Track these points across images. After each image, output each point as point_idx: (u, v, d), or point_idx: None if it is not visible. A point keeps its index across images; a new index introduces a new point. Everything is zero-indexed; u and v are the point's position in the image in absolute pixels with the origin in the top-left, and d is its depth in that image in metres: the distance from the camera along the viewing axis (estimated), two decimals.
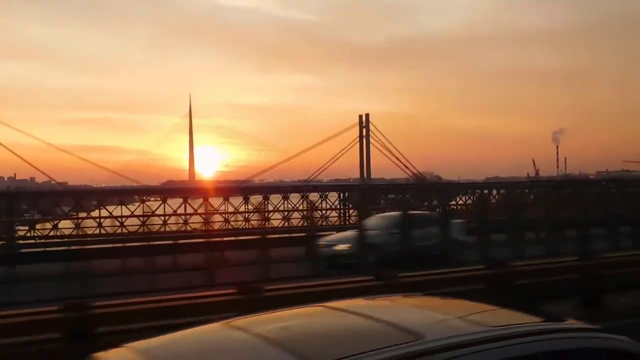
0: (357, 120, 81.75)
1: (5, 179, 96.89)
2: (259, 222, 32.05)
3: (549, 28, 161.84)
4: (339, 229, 25.33)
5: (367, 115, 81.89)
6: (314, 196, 51.49)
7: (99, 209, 43.71)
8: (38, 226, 36.72)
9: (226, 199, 47.33)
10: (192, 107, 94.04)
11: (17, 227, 32.96)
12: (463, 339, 2.82)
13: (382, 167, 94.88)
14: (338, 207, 49.41)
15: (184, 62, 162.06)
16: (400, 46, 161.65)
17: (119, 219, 34.00)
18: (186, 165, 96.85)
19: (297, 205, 45.82)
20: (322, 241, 19.15)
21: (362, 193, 58.92)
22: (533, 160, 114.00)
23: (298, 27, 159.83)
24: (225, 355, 3.07)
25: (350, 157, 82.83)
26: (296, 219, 38.64)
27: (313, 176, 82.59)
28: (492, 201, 51.12)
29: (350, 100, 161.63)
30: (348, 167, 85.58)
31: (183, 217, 37.25)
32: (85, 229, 31.38)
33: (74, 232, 30.08)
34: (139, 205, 44.20)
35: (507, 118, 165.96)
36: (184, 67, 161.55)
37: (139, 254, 17.19)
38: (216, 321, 3.62)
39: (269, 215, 38.65)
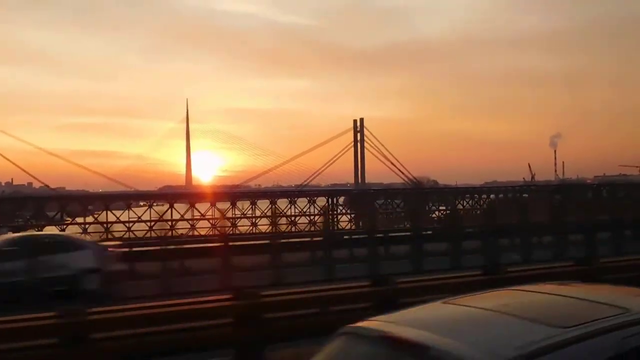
0: (361, 125, 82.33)
1: (3, 184, 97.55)
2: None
3: (546, 31, 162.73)
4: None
5: (361, 119, 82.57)
6: (302, 201, 52.61)
7: (85, 215, 44.63)
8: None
9: (213, 205, 48.17)
10: (189, 112, 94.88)
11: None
12: None
13: (379, 172, 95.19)
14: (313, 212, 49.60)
15: (181, 67, 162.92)
16: (397, 50, 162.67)
17: (104, 225, 34.72)
18: (184, 170, 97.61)
19: (284, 211, 47.17)
20: None
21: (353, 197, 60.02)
22: (529, 165, 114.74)
23: (295, 32, 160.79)
24: (471, 322, 3.29)
25: (348, 162, 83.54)
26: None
27: (307, 181, 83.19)
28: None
29: (348, 104, 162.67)
30: (345, 172, 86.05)
31: (169, 222, 37.67)
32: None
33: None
34: (124, 212, 45.37)
35: (504, 122, 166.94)
36: (181, 72, 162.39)
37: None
38: (215, 327, 4.10)
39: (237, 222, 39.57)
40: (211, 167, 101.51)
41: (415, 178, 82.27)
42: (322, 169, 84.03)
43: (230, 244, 20.05)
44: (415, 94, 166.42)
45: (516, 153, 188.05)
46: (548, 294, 3.75)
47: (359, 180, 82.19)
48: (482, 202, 58.72)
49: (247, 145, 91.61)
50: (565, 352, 2.86)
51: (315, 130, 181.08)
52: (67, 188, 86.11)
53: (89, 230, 32.69)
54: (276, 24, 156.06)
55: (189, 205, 48.41)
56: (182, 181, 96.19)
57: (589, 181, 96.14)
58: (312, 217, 42.47)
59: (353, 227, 43.80)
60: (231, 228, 34.99)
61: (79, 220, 44.06)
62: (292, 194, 56.91)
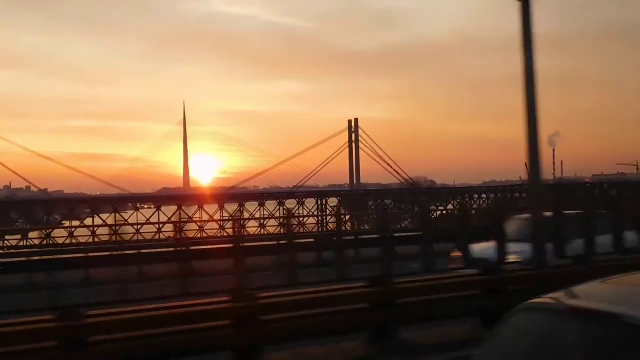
0: (356, 125, 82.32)
1: (1, 187, 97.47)
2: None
3: (543, 32, 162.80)
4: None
5: (356, 120, 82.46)
6: (291, 203, 52.65)
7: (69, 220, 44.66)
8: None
9: (200, 207, 48.22)
10: (187, 115, 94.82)
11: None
12: None
13: (375, 173, 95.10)
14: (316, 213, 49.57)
15: (178, 70, 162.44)
16: (393, 52, 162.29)
17: (90, 228, 34.93)
18: (181, 173, 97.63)
19: (273, 213, 47.10)
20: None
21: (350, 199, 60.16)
22: (525, 164, 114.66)
23: (292, 34, 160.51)
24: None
25: (344, 163, 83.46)
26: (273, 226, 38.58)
27: (303, 182, 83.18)
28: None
29: (345, 106, 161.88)
30: (341, 173, 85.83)
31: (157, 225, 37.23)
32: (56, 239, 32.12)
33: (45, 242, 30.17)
34: (109, 215, 45.40)
35: (502, 122, 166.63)
36: (179, 74, 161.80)
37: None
38: (214, 328, 4.14)
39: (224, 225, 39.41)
40: (209, 169, 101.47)
41: (411, 178, 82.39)
42: (317, 170, 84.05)
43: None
44: (413, 95, 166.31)
45: (515, 153, 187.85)
46: None
47: (354, 181, 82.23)
48: (480, 202, 58.91)
49: (245, 147, 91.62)
50: None
51: (313, 131, 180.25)
52: (66, 191, 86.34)
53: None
54: (274, 26, 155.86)
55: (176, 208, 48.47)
56: (180, 183, 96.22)
57: (587, 180, 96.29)
58: (301, 219, 42.38)
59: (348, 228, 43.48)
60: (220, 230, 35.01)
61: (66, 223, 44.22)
62: (282, 195, 56.93)
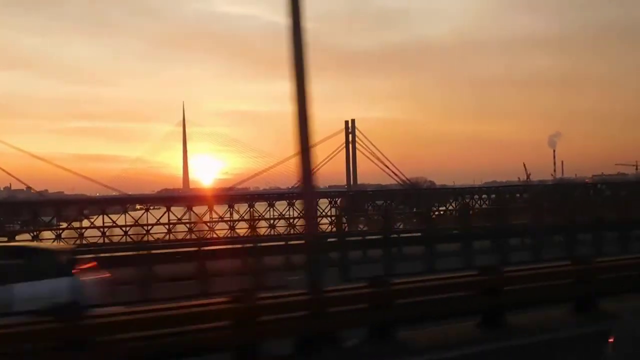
0: (353, 126, 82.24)
1: (2, 188, 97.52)
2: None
3: (543, 32, 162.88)
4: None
5: (352, 120, 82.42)
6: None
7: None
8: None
9: (189, 209, 48.29)
10: (187, 115, 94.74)
11: None
12: None
13: (373, 174, 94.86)
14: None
15: (179, 70, 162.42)
16: (394, 52, 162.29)
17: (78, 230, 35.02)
18: (181, 173, 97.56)
19: (262, 214, 47.11)
20: None
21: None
22: (524, 165, 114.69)
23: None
24: None
25: (342, 163, 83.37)
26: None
27: (298, 183, 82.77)
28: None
29: (346, 106, 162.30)
30: (339, 174, 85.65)
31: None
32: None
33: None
34: (97, 217, 45.50)
35: (502, 123, 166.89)
36: (179, 74, 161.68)
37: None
38: (214, 329, 4.17)
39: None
40: (210, 170, 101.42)
41: (408, 179, 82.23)
42: (314, 170, 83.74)
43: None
44: (413, 95, 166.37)
45: (516, 153, 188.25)
46: None
47: (351, 182, 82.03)
48: (478, 202, 59.02)
49: (246, 147, 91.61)
50: None
51: (314, 131, 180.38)
52: (66, 193, 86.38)
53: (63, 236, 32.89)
54: (274, 26, 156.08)
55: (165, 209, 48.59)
56: (180, 184, 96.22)
57: (587, 180, 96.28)
58: (292, 220, 42.32)
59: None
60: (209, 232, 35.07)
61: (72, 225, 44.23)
62: (271, 197, 56.87)
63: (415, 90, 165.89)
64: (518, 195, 65.05)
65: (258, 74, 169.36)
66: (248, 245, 20.31)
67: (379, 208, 55.31)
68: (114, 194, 71.47)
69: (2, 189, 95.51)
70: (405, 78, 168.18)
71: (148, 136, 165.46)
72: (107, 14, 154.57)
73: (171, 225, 37.58)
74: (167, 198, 60.99)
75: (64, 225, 44.09)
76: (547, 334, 10.12)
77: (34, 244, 21.57)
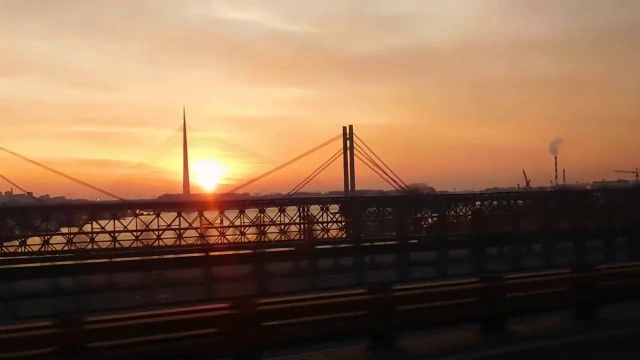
0: (350, 132, 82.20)
1: (3, 193, 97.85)
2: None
3: (545, 37, 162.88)
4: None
5: (350, 126, 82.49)
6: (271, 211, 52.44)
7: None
8: None
9: (179, 215, 48.37)
10: (188, 121, 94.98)
11: None
12: None
13: (372, 181, 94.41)
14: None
15: (180, 75, 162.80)
16: (396, 57, 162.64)
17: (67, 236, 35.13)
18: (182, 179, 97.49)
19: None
20: None
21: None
22: (523, 171, 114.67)
23: (294, 40, 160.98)
24: None
25: (341, 169, 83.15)
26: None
27: (297, 188, 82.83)
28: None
29: (347, 111, 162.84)
30: (338, 179, 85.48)
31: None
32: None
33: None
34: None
35: (503, 129, 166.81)
36: (181, 80, 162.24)
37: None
38: (213, 335, 4.17)
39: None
40: (210, 175, 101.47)
41: (407, 186, 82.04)
42: (312, 176, 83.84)
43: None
44: (414, 101, 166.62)
45: (518, 159, 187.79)
46: None
47: (349, 188, 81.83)
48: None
49: (247, 153, 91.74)
50: None
51: (314, 137, 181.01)
52: (67, 198, 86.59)
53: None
54: (276, 31, 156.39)
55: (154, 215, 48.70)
56: (181, 189, 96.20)
57: (588, 187, 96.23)
58: (283, 227, 42.19)
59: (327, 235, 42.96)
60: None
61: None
62: (262, 203, 56.92)
63: (417, 95, 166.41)
64: (520, 202, 64.94)
65: (259, 79, 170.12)
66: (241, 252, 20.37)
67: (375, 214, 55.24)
68: (113, 199, 71.77)
69: (3, 193, 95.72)
70: (406, 83, 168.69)
71: (150, 141, 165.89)
72: (109, 20, 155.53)
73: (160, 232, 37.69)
74: (160, 204, 60.97)
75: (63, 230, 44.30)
76: (549, 340, 10.09)
77: None
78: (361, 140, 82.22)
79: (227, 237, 36.47)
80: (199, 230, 39.27)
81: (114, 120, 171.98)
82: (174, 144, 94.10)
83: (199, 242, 33.05)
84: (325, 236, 40.89)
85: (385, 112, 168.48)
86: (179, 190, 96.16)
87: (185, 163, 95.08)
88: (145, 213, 55.17)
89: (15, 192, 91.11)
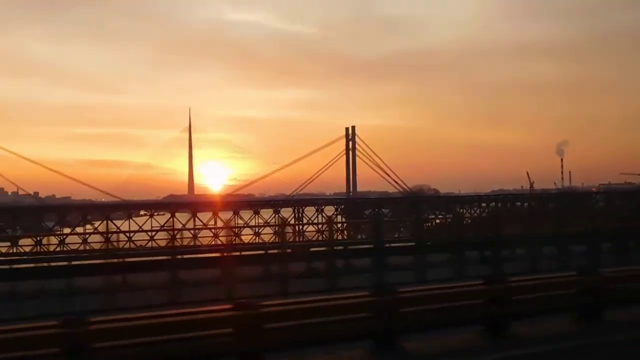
0: (352, 133, 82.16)
1: (9, 193, 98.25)
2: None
3: (550, 40, 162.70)
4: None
5: (352, 127, 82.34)
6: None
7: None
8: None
9: (172, 215, 48.45)
10: (194, 122, 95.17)
11: None
12: None
13: (374, 181, 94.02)
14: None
15: (185, 77, 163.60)
16: (400, 59, 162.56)
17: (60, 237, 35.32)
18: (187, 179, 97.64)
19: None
20: None
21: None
22: (527, 173, 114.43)
23: (299, 41, 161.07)
24: None
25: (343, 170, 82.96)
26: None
27: (299, 189, 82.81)
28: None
29: (351, 113, 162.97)
30: (341, 180, 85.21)
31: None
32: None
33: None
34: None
35: (509, 130, 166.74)
36: (186, 81, 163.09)
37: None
38: (216, 337, 4.15)
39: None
40: (216, 176, 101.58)
41: (409, 188, 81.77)
42: (313, 177, 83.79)
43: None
44: (419, 103, 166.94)
45: (524, 161, 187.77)
46: None
47: (351, 189, 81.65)
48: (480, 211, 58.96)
49: (252, 154, 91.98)
50: None
51: (319, 138, 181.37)
52: (73, 198, 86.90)
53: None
54: (281, 33, 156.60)
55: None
56: (186, 190, 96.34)
57: (594, 190, 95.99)
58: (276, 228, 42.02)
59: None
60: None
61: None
62: (257, 204, 56.95)
63: (422, 97, 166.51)
64: (518, 204, 64.83)
65: (263, 80, 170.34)
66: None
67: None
68: (113, 200, 71.91)
69: (10, 193, 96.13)
70: (411, 85, 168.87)
71: (156, 142, 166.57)
72: (114, 22, 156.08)
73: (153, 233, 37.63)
74: (153, 204, 60.84)
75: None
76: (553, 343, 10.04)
77: None
78: (364, 142, 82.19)
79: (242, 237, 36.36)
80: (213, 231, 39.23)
81: (120, 121, 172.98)
82: (180, 145, 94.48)
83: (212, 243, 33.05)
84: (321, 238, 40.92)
85: (389, 114, 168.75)
86: (183, 190, 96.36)
87: (190, 164, 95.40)
88: (148, 214, 55.16)
89: (22, 192, 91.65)
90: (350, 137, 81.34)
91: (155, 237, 28.08)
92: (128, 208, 53.11)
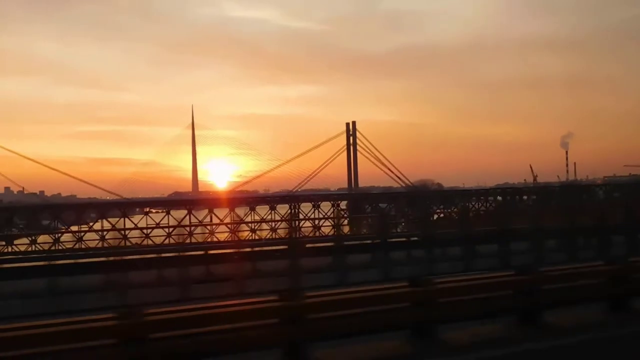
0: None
1: (15, 192, 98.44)
2: None
3: (555, 34, 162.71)
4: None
5: (353, 123, 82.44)
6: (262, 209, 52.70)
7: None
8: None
9: (168, 213, 48.61)
10: (198, 119, 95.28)
11: None
12: None
13: (378, 177, 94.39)
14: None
15: (189, 74, 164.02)
16: (405, 54, 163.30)
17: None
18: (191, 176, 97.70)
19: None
20: None
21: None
22: (531, 167, 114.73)
23: (304, 38, 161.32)
24: None
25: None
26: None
27: (299, 186, 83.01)
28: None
29: (357, 109, 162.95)
30: (344, 176, 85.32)
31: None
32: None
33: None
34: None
35: (515, 125, 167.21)
36: (190, 78, 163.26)
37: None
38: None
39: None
40: (220, 173, 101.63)
41: (411, 182, 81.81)
42: (315, 172, 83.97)
43: None
44: (424, 98, 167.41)
45: (529, 155, 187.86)
46: None
47: (352, 185, 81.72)
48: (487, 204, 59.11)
49: (257, 150, 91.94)
50: None
51: (324, 134, 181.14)
52: (78, 196, 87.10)
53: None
54: (285, 29, 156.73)
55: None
56: (190, 187, 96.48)
57: (599, 182, 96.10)
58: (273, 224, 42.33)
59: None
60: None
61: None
62: (253, 201, 57.18)
63: (426, 92, 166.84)
64: (525, 197, 64.91)
65: (268, 77, 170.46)
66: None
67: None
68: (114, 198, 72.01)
69: (15, 192, 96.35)
70: (416, 80, 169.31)
71: (160, 140, 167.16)
72: (119, 20, 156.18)
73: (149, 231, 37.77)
74: (167, 202, 61.11)
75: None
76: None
77: None
78: (365, 137, 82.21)
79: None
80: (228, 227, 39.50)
81: (125, 119, 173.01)
82: (184, 142, 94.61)
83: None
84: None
85: (394, 109, 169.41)
86: (188, 187, 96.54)
87: (194, 161, 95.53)
88: (154, 211, 55.44)
89: (27, 190, 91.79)
90: (351, 133, 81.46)
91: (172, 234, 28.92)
92: (141, 205, 53.54)
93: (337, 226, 32.85)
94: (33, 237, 37.80)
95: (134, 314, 7.86)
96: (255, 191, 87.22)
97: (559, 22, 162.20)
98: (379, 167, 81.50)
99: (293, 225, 42.86)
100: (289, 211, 53.10)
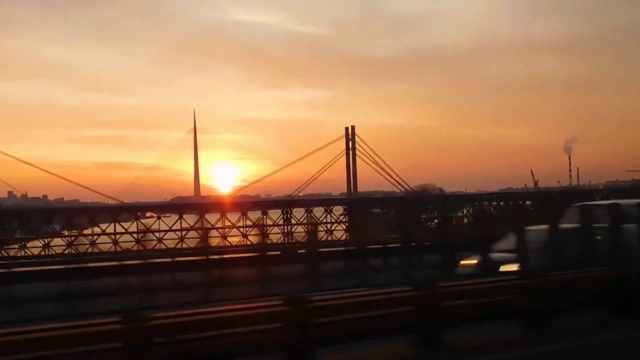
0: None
1: (18, 196, 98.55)
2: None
3: (558, 37, 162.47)
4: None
5: (352, 127, 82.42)
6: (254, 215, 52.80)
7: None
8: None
9: (159, 217, 48.63)
10: (202, 123, 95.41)
11: None
12: None
13: (376, 181, 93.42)
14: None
15: (193, 78, 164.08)
16: (409, 58, 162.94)
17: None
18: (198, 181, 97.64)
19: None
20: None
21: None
22: (532, 172, 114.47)
23: (308, 42, 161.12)
24: None
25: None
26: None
27: (299, 190, 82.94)
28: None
29: (361, 113, 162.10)
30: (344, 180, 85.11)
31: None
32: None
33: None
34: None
35: (518, 129, 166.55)
36: (193, 82, 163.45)
37: None
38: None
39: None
40: (223, 177, 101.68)
41: (411, 187, 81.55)
42: (314, 177, 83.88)
43: None
44: (428, 102, 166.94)
45: (532, 159, 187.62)
46: None
47: (351, 189, 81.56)
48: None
49: (261, 155, 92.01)
50: None
51: (328, 138, 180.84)
52: (81, 201, 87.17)
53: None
54: (289, 33, 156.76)
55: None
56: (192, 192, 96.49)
57: (601, 187, 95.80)
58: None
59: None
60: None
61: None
62: (248, 205, 56.99)
63: (430, 96, 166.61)
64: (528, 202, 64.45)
65: (271, 81, 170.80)
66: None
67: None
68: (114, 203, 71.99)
69: (19, 196, 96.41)
70: (420, 84, 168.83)
71: (165, 143, 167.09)
72: (122, 24, 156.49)
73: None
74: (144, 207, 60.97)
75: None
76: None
77: None
78: (364, 142, 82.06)
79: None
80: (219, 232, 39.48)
81: (130, 123, 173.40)
82: (186, 146, 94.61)
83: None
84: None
85: (399, 112, 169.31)
86: (191, 192, 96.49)
87: (196, 165, 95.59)
88: (155, 215, 55.26)
89: (30, 194, 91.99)
90: (350, 137, 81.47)
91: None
92: (143, 210, 53.40)
93: (310, 232, 32.32)
94: (47, 241, 37.74)
95: (140, 318, 7.84)
96: (257, 195, 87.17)
97: (562, 25, 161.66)
98: (378, 172, 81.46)
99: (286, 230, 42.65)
100: (282, 216, 53.03)
